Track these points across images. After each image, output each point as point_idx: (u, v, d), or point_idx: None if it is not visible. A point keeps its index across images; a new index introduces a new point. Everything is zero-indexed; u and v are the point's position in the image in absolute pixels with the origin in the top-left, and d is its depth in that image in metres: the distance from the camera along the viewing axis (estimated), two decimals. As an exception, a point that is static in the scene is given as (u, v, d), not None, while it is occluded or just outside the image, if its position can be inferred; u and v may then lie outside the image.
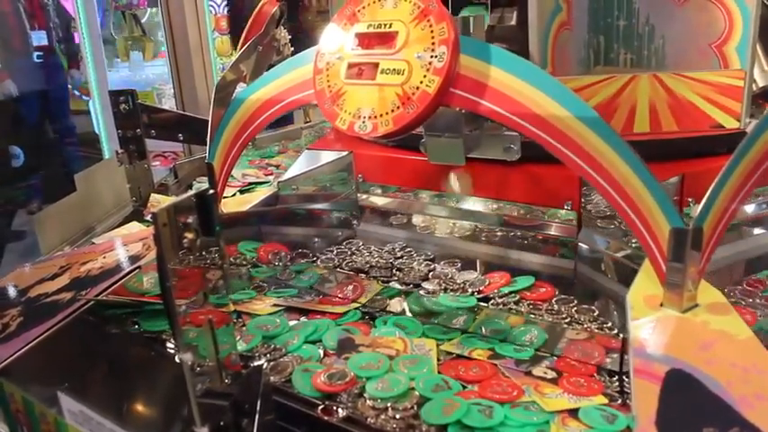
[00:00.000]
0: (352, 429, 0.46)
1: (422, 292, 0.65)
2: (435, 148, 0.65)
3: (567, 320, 0.59)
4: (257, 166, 1.19)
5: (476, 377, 0.51)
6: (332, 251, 0.78)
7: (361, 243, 0.80)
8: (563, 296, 0.63)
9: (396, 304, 0.64)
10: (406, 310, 0.63)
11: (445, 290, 0.66)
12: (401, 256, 0.76)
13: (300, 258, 0.76)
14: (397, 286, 0.67)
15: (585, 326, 0.57)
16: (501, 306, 0.62)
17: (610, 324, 0.58)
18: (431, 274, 0.70)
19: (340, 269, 0.73)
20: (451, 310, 0.60)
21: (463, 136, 0.63)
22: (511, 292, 0.64)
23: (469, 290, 0.65)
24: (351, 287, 0.67)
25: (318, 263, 0.75)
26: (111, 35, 3.36)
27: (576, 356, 0.53)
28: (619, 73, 0.73)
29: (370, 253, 0.77)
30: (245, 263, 0.75)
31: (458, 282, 0.67)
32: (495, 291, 0.65)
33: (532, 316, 0.59)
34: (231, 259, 0.75)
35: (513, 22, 0.65)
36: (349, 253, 0.78)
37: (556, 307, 0.61)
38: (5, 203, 2.91)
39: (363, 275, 0.70)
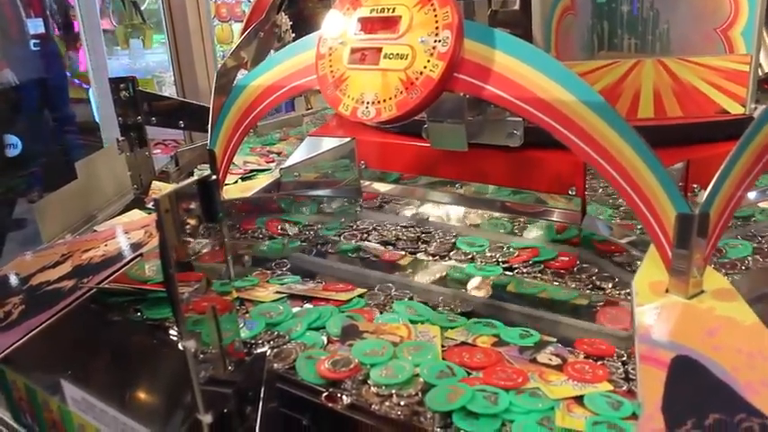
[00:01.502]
0: (357, 416, 0.46)
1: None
2: (438, 134, 0.65)
3: (589, 287, 0.62)
4: (259, 153, 1.19)
5: (480, 364, 0.51)
6: (349, 228, 0.81)
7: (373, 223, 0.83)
8: (585, 265, 0.66)
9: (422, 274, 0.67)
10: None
11: (472, 259, 0.69)
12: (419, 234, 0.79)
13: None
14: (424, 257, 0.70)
15: (608, 291, 0.60)
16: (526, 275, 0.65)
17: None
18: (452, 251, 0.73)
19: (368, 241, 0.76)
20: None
21: (466, 122, 0.63)
22: (536, 263, 0.68)
23: (497, 259, 0.69)
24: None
25: (342, 238, 0.77)
26: (110, 22, 3.34)
27: (606, 320, 0.55)
28: (623, 58, 0.72)
29: (396, 228, 0.81)
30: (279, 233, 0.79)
31: (486, 254, 0.71)
32: (521, 263, 0.68)
33: (556, 284, 0.62)
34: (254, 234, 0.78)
35: (517, 7, 0.65)
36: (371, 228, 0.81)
37: (578, 276, 0.65)
38: (6, 192, 2.91)
39: (391, 247, 0.74)
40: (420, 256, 0.72)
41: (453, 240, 0.75)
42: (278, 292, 0.66)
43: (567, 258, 0.68)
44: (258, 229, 0.81)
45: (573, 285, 0.62)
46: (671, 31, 0.73)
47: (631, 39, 0.74)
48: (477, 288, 0.63)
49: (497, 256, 0.70)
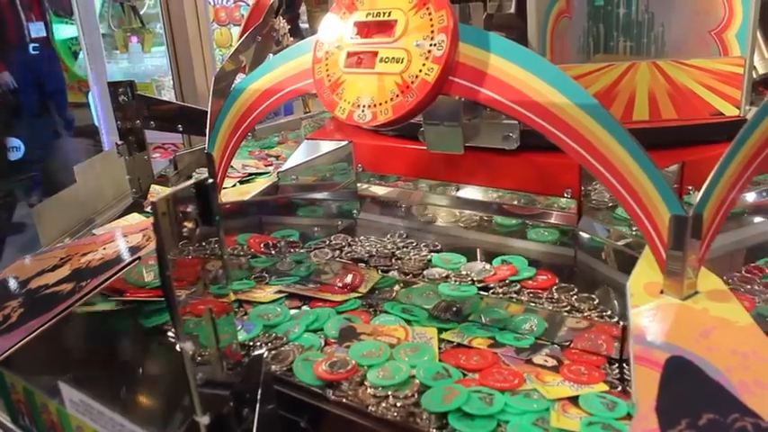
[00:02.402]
0: (354, 417, 0.47)
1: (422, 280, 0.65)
2: (434, 137, 0.65)
3: (566, 309, 0.59)
4: (257, 156, 1.19)
5: (476, 365, 0.51)
6: (328, 241, 0.78)
7: (359, 234, 0.81)
8: (563, 285, 0.63)
9: (398, 294, 0.64)
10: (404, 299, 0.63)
11: (446, 278, 0.66)
12: (402, 246, 0.76)
13: (297, 249, 0.76)
14: (397, 276, 0.67)
15: (586, 314, 0.57)
16: (501, 295, 0.62)
17: (609, 312, 0.58)
18: (431, 263, 0.70)
19: (339, 259, 0.73)
20: (451, 299, 0.60)
21: (462, 124, 0.63)
22: (512, 282, 0.64)
23: (472, 278, 0.66)
24: (350, 276, 0.67)
25: (316, 253, 0.75)
26: (109, 27, 3.34)
27: (583, 347, 0.53)
28: (618, 61, 0.73)
29: (370, 243, 0.77)
30: (242, 254, 0.75)
31: (462, 272, 0.67)
32: (496, 282, 0.65)
33: (532, 305, 0.59)
34: (230, 249, 0.75)
35: (512, 10, 0.65)
36: (345, 244, 0.78)
37: (556, 295, 0.61)
38: (5, 196, 2.91)
39: (363, 265, 0.70)
40: (393, 274, 0.68)
41: (429, 257, 0.72)
42: (279, 291, 0.66)
43: (545, 278, 0.65)
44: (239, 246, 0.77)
45: (550, 307, 0.58)
46: (666, 34, 0.74)
47: (626, 41, 0.74)
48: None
49: (472, 275, 0.66)
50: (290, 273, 0.71)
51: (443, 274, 0.67)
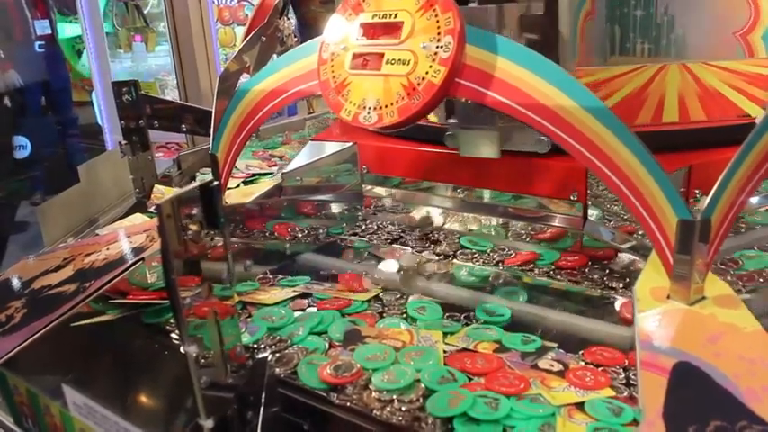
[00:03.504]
0: (358, 421, 0.46)
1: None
2: (468, 141, 0.64)
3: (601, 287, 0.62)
4: (261, 157, 1.19)
5: (482, 369, 0.51)
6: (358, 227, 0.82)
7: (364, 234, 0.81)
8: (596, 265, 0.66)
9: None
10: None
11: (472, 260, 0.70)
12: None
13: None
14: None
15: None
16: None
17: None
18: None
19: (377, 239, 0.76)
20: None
21: (498, 128, 0.62)
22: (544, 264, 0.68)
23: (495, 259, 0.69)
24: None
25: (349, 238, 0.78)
26: (113, 26, 3.34)
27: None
28: (635, 63, 0.72)
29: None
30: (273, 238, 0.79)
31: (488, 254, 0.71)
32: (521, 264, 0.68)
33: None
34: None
35: (541, 12, 0.63)
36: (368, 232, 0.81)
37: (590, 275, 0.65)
38: (8, 195, 2.91)
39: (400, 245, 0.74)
40: (426, 254, 0.73)
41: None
42: (294, 291, 0.66)
43: (577, 257, 0.68)
44: (266, 232, 0.81)
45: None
46: (689, 36, 0.73)
47: (645, 43, 0.74)
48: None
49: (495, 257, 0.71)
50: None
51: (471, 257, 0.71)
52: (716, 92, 0.73)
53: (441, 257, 0.71)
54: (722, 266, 0.63)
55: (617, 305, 0.60)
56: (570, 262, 0.68)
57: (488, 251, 0.72)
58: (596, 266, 0.67)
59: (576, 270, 0.66)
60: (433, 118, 0.80)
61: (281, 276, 0.71)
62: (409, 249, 0.74)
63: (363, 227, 0.82)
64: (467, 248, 0.73)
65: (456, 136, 0.67)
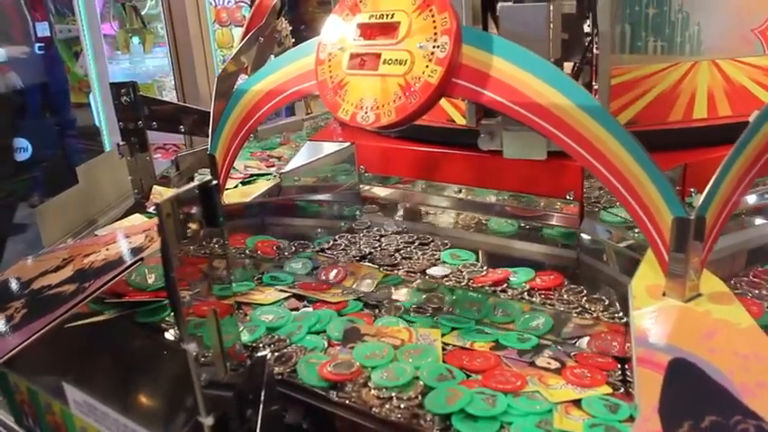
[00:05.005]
0: (357, 419, 0.47)
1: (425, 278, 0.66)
2: (513, 143, 0.63)
3: (577, 310, 0.58)
4: (259, 157, 1.19)
5: (480, 367, 0.51)
6: (333, 240, 0.78)
7: (362, 232, 0.81)
8: (572, 285, 0.63)
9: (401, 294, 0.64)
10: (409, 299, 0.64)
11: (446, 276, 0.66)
12: (404, 247, 0.76)
13: (302, 249, 0.76)
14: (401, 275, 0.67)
15: (596, 315, 0.57)
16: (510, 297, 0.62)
17: (620, 313, 0.57)
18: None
19: (341, 258, 0.73)
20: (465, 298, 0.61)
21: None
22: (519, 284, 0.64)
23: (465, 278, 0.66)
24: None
25: (319, 254, 0.75)
26: (111, 28, 3.34)
27: (595, 347, 0.54)
28: (646, 62, 0.72)
29: (374, 242, 0.77)
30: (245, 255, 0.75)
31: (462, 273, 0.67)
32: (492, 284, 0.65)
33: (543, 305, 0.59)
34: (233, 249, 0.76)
35: (573, 11, 0.63)
36: (342, 245, 0.77)
37: (565, 296, 0.61)
38: (7, 197, 2.91)
39: (368, 263, 0.70)
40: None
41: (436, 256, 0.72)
42: (281, 291, 0.67)
43: (552, 277, 0.64)
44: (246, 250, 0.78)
45: (561, 308, 0.58)
46: (706, 32, 0.73)
47: (658, 41, 0.74)
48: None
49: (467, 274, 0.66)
50: (286, 271, 0.71)
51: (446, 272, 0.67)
52: (742, 87, 0.74)
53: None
54: (756, 279, 0.61)
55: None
56: (545, 282, 0.63)
57: (459, 267, 0.68)
58: (572, 286, 0.63)
59: (552, 290, 0.62)
60: (459, 119, 0.80)
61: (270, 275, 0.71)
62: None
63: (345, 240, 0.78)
64: (447, 263, 0.69)
65: (496, 137, 0.64)
